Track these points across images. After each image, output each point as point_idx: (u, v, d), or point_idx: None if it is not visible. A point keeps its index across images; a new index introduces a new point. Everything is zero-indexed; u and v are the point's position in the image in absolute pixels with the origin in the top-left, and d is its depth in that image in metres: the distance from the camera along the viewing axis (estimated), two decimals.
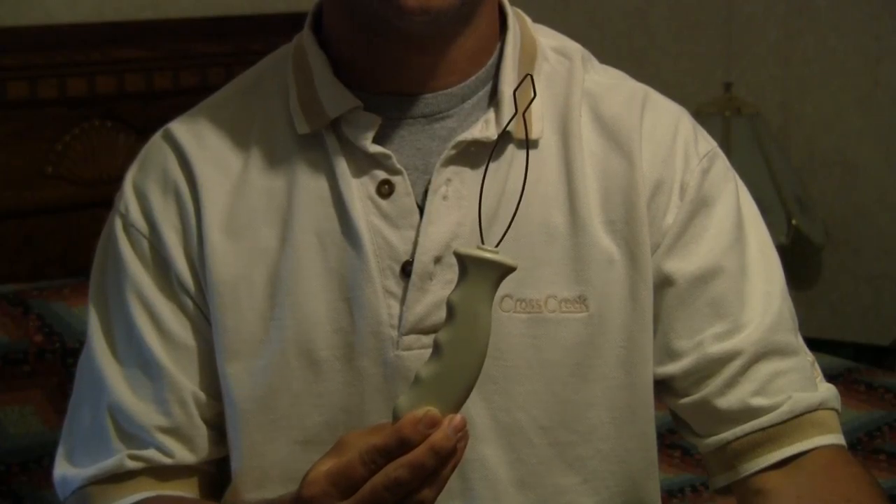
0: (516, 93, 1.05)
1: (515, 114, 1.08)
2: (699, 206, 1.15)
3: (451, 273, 1.03)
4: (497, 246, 0.94)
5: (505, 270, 0.94)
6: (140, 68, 2.32)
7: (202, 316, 1.15)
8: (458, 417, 0.94)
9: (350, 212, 1.11)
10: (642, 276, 1.13)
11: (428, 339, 0.96)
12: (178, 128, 1.18)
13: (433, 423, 0.93)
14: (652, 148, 1.15)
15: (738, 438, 1.14)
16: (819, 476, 1.13)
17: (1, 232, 2.25)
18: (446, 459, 0.93)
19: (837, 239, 2.94)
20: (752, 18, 3.01)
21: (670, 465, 2.10)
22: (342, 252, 1.12)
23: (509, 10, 1.17)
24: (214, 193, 1.14)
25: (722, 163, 1.18)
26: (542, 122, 1.14)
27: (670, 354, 1.15)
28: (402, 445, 0.93)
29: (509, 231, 0.97)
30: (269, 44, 1.31)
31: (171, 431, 1.14)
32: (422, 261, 1.10)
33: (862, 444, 2.18)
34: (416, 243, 1.11)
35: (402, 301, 1.11)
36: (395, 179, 1.12)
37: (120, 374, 1.15)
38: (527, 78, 1.08)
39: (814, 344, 1.33)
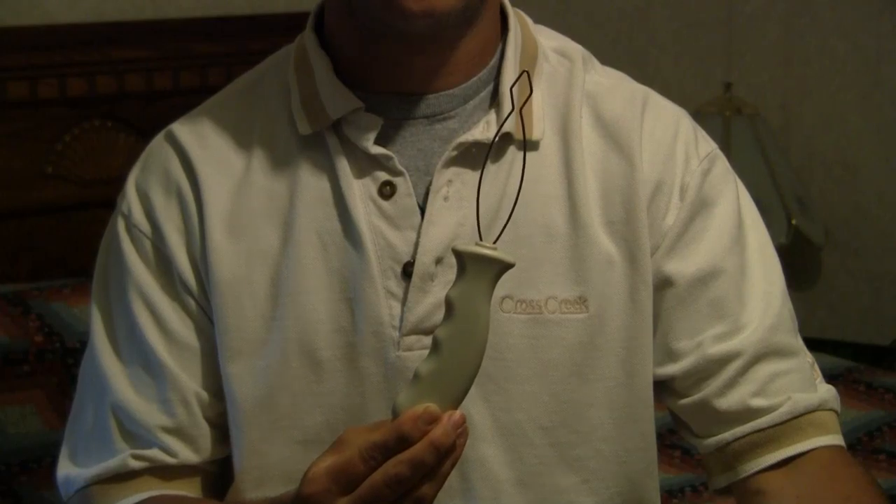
0: (513, 90, 1.05)
1: (512, 110, 1.08)
2: (699, 207, 1.15)
3: (451, 274, 1.03)
4: (495, 243, 0.94)
5: (503, 267, 0.94)
6: (140, 68, 2.31)
7: (204, 316, 1.15)
8: (457, 414, 0.94)
9: (351, 212, 1.11)
10: (642, 276, 1.13)
11: (429, 340, 0.96)
12: (180, 128, 1.18)
13: (432, 420, 0.93)
14: (652, 149, 1.15)
15: (737, 439, 1.14)
16: (818, 476, 1.13)
17: (1, 232, 2.24)
18: (446, 456, 0.94)
19: (837, 239, 2.94)
20: (753, 18, 3.01)
21: (670, 465, 2.10)
22: (343, 252, 1.12)
23: (510, 11, 1.18)
24: (216, 194, 1.14)
25: (722, 164, 1.18)
26: (542, 123, 1.14)
27: (670, 355, 1.15)
28: (402, 442, 0.93)
29: (510, 232, 0.97)
30: (269, 44, 1.31)
31: (175, 431, 1.14)
32: (423, 261, 1.11)
33: (862, 444, 2.18)
34: (417, 244, 1.11)
35: (403, 302, 1.11)
36: (397, 180, 1.12)
37: (123, 374, 1.15)
38: (523, 74, 1.09)
39: (814, 344, 1.33)
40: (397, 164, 1.12)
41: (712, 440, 1.15)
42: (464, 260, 0.94)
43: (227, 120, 1.18)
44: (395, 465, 0.93)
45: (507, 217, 1.00)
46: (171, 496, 1.14)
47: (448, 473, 0.95)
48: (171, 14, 2.44)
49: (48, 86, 2.24)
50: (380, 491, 0.93)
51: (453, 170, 1.12)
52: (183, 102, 1.29)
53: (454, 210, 1.11)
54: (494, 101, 1.14)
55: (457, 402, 0.95)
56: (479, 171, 1.06)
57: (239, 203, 1.14)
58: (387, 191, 1.12)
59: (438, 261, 1.11)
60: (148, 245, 1.16)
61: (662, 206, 1.15)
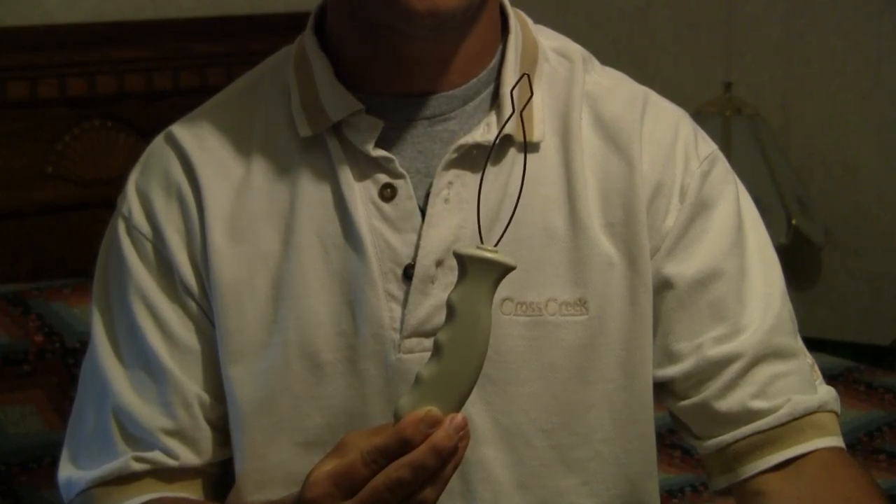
0: (514, 93, 1.05)
1: (512, 113, 1.08)
2: (699, 208, 1.15)
3: (452, 276, 1.03)
4: (496, 246, 0.94)
5: (504, 270, 0.94)
6: (140, 68, 2.32)
7: (205, 318, 1.15)
8: (459, 417, 0.94)
9: (352, 215, 1.11)
10: (642, 278, 1.13)
11: (429, 343, 0.96)
12: (180, 130, 1.18)
13: (434, 423, 0.93)
14: (652, 150, 1.15)
15: (737, 441, 1.14)
16: (818, 478, 1.13)
17: (1, 232, 2.25)
18: (447, 459, 0.93)
19: (837, 239, 2.94)
20: (753, 18, 3.01)
21: (670, 465, 2.10)
22: (344, 255, 1.12)
23: (510, 11, 1.17)
24: (217, 196, 1.14)
25: (722, 165, 1.18)
26: (543, 124, 1.14)
27: (670, 357, 1.15)
28: (404, 445, 0.93)
29: (510, 234, 0.97)
30: (269, 44, 1.31)
31: (176, 434, 1.14)
32: (423, 264, 1.10)
33: (862, 444, 2.18)
34: (417, 246, 1.11)
35: (404, 304, 1.11)
36: (398, 183, 1.12)
37: (124, 377, 1.15)
38: (523, 77, 1.08)
39: (814, 344, 1.33)
40: (398, 166, 1.12)
41: (712, 442, 1.15)
42: (465, 263, 0.94)
43: (227, 121, 1.17)
44: (396, 469, 0.93)
45: (507, 219, 0.99)
46: (172, 498, 1.14)
47: (450, 477, 0.94)
48: (171, 14, 2.44)
49: (48, 86, 2.24)
50: (381, 495, 0.93)
51: (454, 172, 1.12)
52: (183, 102, 1.29)
53: (455, 212, 1.11)
54: (495, 102, 1.14)
55: (458, 406, 0.94)
56: (480, 174, 1.05)
57: (239, 205, 1.14)
58: (387, 193, 1.12)
59: (439, 263, 1.11)
60: (148, 247, 1.15)
61: (662, 208, 1.15)
